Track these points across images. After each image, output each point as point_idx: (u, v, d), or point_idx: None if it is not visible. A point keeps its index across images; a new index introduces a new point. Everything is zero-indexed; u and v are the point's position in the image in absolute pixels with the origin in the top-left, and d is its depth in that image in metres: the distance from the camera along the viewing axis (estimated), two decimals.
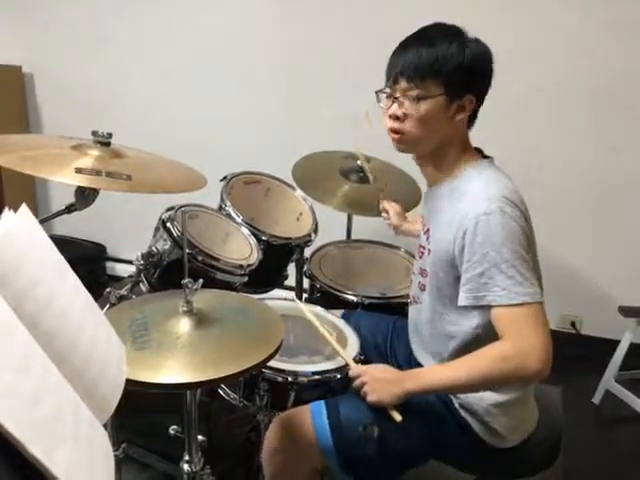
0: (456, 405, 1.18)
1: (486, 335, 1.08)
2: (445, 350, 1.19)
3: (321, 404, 1.19)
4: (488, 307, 1.04)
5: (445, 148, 1.17)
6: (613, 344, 2.20)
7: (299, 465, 1.19)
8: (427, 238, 1.22)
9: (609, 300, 2.40)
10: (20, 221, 0.57)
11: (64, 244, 2.91)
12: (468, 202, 1.07)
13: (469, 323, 1.12)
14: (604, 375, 2.22)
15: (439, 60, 1.09)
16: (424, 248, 1.23)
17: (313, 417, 1.17)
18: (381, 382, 1.13)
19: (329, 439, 1.14)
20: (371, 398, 1.13)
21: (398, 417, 1.12)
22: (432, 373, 1.15)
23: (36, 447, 0.43)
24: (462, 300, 1.07)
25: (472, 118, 1.18)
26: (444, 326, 1.18)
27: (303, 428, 1.17)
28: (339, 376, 1.25)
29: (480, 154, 1.20)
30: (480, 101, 1.15)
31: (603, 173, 2.38)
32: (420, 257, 1.26)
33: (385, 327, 1.46)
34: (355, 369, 1.20)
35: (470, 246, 1.04)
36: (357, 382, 1.17)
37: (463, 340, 1.15)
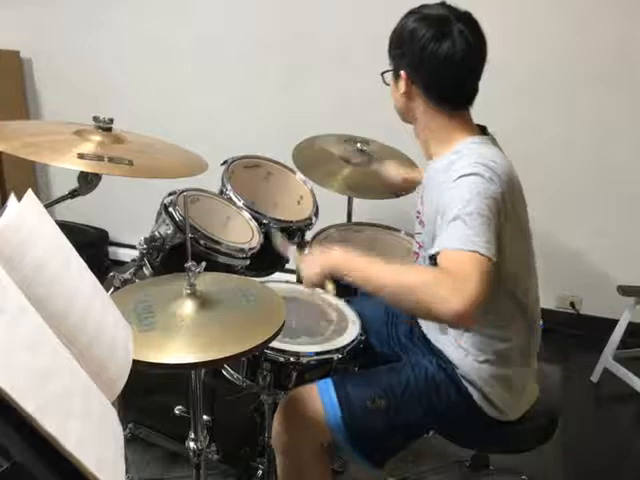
0: (459, 375, 1.20)
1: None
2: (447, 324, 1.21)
3: (328, 381, 1.22)
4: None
5: (420, 124, 1.21)
6: (612, 323, 2.22)
7: (307, 441, 1.22)
8: (422, 211, 1.24)
9: (608, 280, 2.41)
10: (26, 206, 0.59)
11: (66, 229, 2.90)
12: (452, 173, 1.09)
13: None
14: (602, 354, 2.25)
15: (390, 36, 1.19)
16: (421, 222, 1.25)
17: (321, 394, 1.20)
18: (314, 258, 1.17)
19: (337, 414, 1.17)
20: (302, 273, 1.17)
21: (330, 288, 1.14)
22: (364, 262, 1.11)
23: (49, 422, 0.45)
24: (429, 252, 1.06)
25: (443, 98, 1.17)
26: None
27: (311, 405, 1.20)
28: (340, 356, 1.28)
29: (481, 131, 1.21)
30: (420, 78, 1.16)
31: (602, 154, 2.38)
32: (419, 230, 1.28)
33: (384, 308, 1.48)
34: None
35: (447, 203, 1.05)
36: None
37: None
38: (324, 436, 1.21)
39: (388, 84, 1.25)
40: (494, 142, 1.20)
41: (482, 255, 0.97)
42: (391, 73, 1.22)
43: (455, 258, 0.99)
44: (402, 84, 1.18)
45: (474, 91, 1.18)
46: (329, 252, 1.16)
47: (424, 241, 1.24)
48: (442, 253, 1.01)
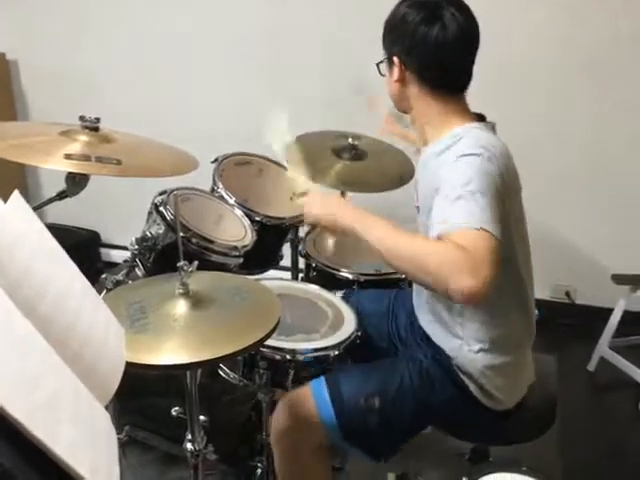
0: (454, 367, 1.20)
1: None
2: (444, 311, 1.20)
3: (321, 380, 1.21)
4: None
5: (416, 110, 1.21)
6: (607, 312, 2.23)
7: (306, 443, 1.22)
8: (416, 196, 1.24)
9: (602, 269, 2.41)
10: (12, 208, 0.57)
11: (57, 232, 2.87)
12: (449, 155, 1.08)
13: None
14: (598, 343, 2.25)
15: (384, 24, 1.19)
16: (416, 207, 1.25)
17: (314, 394, 1.19)
18: (324, 201, 1.18)
19: (331, 414, 1.17)
20: (307, 211, 1.18)
21: (330, 242, 1.19)
22: (377, 219, 1.10)
23: (39, 429, 0.44)
24: (433, 231, 1.02)
25: (436, 82, 1.16)
26: None
27: (306, 406, 1.19)
28: (336, 353, 1.27)
29: (479, 119, 1.20)
30: (412, 63, 1.15)
31: (596, 144, 2.38)
32: (418, 219, 1.27)
33: (386, 300, 1.48)
34: (303, 185, 1.28)
35: (444, 183, 1.04)
36: (302, 199, 1.22)
37: None
38: (321, 436, 1.20)
39: (384, 75, 1.24)
40: (493, 129, 1.20)
41: (491, 234, 0.97)
42: (385, 61, 1.21)
43: (467, 236, 0.96)
44: (396, 70, 1.17)
45: (468, 76, 1.18)
46: (338, 200, 1.18)
47: (419, 228, 1.23)
48: (451, 230, 0.98)
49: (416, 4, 1.13)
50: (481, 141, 1.08)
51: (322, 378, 1.21)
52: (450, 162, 1.06)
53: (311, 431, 1.20)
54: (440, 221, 1.01)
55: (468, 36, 1.13)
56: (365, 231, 1.07)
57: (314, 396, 1.19)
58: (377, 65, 1.24)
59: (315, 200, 1.19)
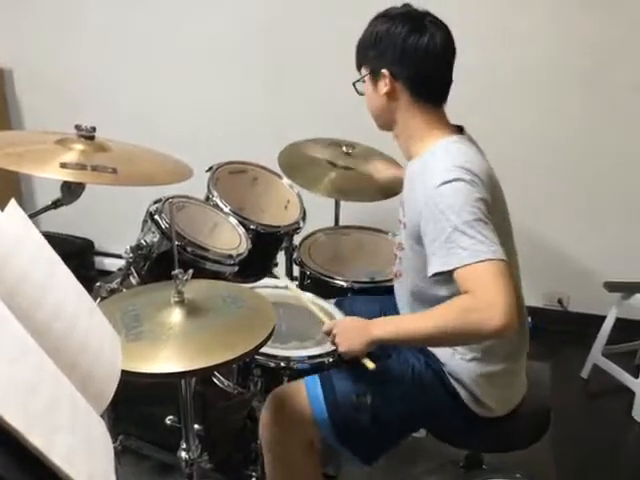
0: (446, 373, 1.21)
1: None
2: None
3: (315, 377, 1.22)
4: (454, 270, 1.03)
5: (400, 125, 1.22)
6: (600, 319, 2.24)
7: (295, 437, 1.22)
8: (403, 212, 1.25)
9: (595, 276, 2.43)
10: (9, 216, 0.58)
11: (51, 240, 2.86)
12: (429, 176, 1.10)
13: (446, 291, 1.15)
14: (591, 350, 2.26)
15: (360, 42, 1.22)
16: (400, 222, 1.26)
17: (308, 389, 1.20)
18: (349, 331, 1.17)
19: (324, 410, 1.17)
20: (342, 348, 1.17)
21: (370, 365, 1.16)
22: (398, 321, 1.19)
23: (35, 436, 0.44)
24: (432, 269, 1.07)
25: (428, 90, 1.18)
26: (424, 297, 1.21)
27: (298, 401, 1.20)
28: (331, 360, 1.27)
29: (458, 130, 1.21)
30: (404, 73, 1.16)
31: (588, 152, 2.40)
32: (399, 231, 1.29)
33: (378, 305, 1.48)
34: (327, 324, 1.25)
35: (433, 217, 1.06)
36: (330, 337, 1.21)
37: None
38: (312, 432, 1.21)
39: (362, 94, 1.25)
40: (471, 141, 1.21)
41: (493, 260, 1.00)
42: (367, 78, 1.22)
43: (471, 275, 1.00)
44: (384, 83, 1.18)
45: (449, 86, 1.21)
46: (352, 323, 1.19)
47: (403, 243, 1.25)
48: (458, 273, 1.02)
49: (396, 18, 1.16)
50: (458, 160, 1.09)
51: (316, 376, 1.22)
52: (432, 190, 1.07)
53: (302, 427, 1.21)
54: (442, 263, 1.04)
55: (451, 44, 1.18)
56: (391, 333, 1.13)
57: (307, 391, 1.20)
58: (354, 85, 1.25)
59: (340, 336, 1.18)
